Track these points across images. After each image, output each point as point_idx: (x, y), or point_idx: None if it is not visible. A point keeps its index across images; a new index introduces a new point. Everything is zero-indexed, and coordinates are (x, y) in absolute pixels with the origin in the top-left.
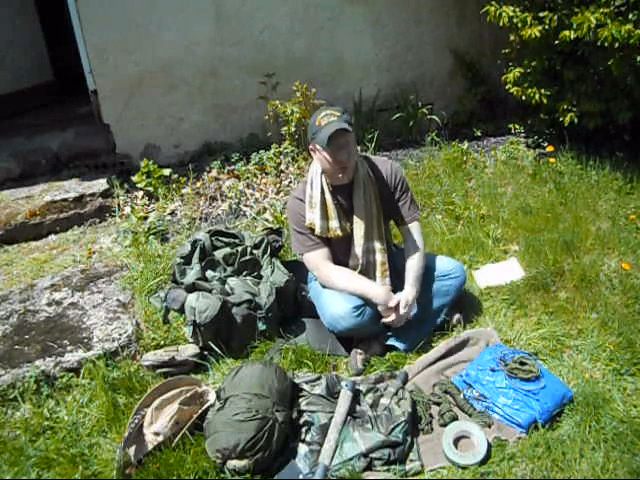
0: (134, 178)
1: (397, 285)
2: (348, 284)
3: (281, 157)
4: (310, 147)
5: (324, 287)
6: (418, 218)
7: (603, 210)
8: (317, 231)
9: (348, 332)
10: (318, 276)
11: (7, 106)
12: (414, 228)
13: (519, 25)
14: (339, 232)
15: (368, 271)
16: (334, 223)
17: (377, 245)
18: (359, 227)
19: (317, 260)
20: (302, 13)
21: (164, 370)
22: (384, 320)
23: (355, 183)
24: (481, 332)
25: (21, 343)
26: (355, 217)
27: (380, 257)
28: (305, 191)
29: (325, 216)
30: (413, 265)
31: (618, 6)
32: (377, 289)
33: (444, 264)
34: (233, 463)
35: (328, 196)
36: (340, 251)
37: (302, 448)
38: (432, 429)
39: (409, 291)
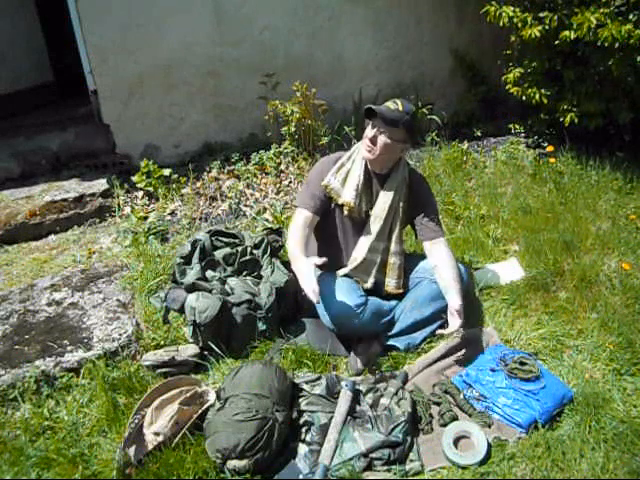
0: (134, 178)
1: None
2: (289, 247)
3: (281, 157)
4: None
5: (324, 283)
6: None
7: (603, 210)
8: (331, 192)
9: (348, 331)
10: (288, 232)
11: (7, 106)
12: (443, 243)
13: (519, 25)
14: (352, 203)
15: (368, 268)
16: (351, 194)
17: (395, 247)
18: (377, 221)
19: (300, 221)
20: (302, 13)
21: (164, 370)
22: (443, 332)
23: (391, 179)
24: (481, 332)
25: (21, 343)
26: (376, 210)
27: (397, 259)
28: (340, 158)
29: (345, 185)
30: (451, 274)
31: (618, 6)
32: (301, 265)
33: None
34: (233, 463)
35: (360, 171)
36: (346, 240)
37: (302, 448)
38: (432, 429)
39: (458, 299)
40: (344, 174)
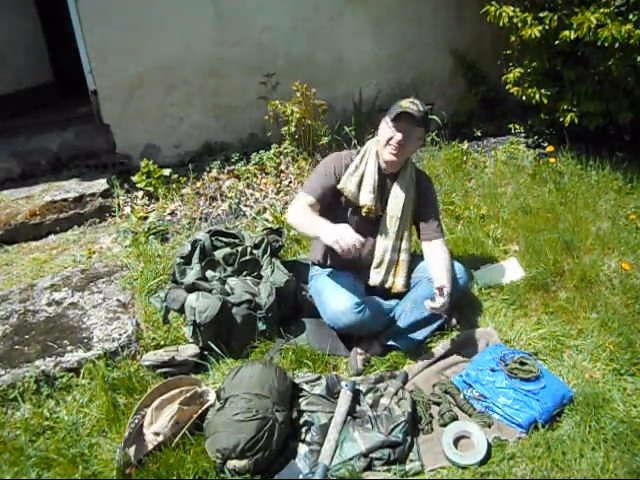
0: (134, 178)
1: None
2: (299, 220)
3: (281, 157)
4: (382, 119)
5: (325, 282)
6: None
7: (603, 210)
8: (349, 196)
9: (349, 329)
10: (289, 209)
11: (7, 106)
12: (442, 242)
13: (519, 25)
14: (371, 206)
15: (390, 268)
16: (369, 196)
17: (405, 245)
18: (394, 221)
19: (302, 203)
20: (302, 13)
21: (164, 370)
22: (431, 305)
23: (400, 178)
24: (481, 332)
25: (21, 343)
26: (391, 209)
27: (407, 257)
28: (352, 158)
29: (360, 187)
30: (442, 264)
31: (618, 6)
32: (327, 228)
33: None
34: (233, 463)
35: (374, 172)
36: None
37: (302, 448)
38: (432, 429)
39: (445, 280)
40: (359, 177)
